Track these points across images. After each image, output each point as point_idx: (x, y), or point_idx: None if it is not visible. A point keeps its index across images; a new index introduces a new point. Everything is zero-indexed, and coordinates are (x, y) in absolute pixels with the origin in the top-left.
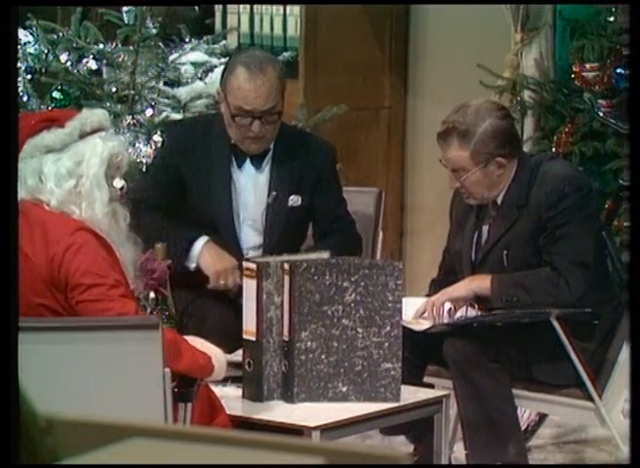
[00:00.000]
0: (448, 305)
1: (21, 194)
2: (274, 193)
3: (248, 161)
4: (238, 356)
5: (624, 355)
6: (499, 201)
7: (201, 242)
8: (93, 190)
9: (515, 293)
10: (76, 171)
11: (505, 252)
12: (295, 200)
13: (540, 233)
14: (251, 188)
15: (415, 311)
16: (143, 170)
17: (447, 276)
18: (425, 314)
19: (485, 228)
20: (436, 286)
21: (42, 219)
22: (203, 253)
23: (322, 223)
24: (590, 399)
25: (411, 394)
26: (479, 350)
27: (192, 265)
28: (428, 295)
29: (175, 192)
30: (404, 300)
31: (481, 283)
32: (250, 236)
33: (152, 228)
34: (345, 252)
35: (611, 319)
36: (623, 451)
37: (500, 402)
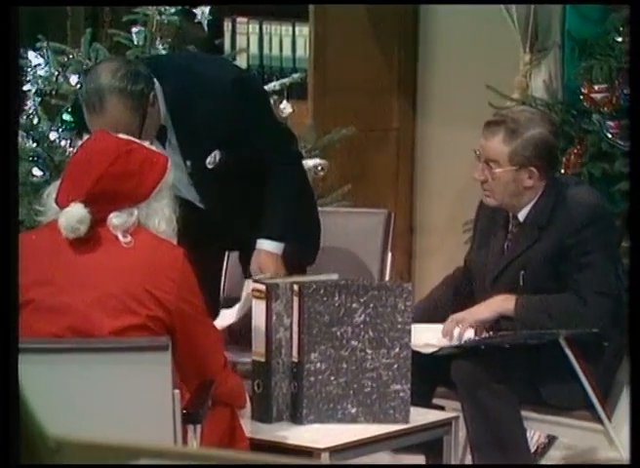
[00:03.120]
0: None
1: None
2: (188, 163)
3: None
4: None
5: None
6: (521, 217)
7: None
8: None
9: (539, 319)
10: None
11: (522, 271)
12: (212, 159)
13: (560, 258)
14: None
15: (437, 331)
16: None
17: (460, 283)
18: (439, 335)
19: (505, 244)
20: (452, 292)
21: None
22: None
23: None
24: (600, 421)
25: (420, 415)
26: (487, 372)
27: None
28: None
29: None
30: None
31: (505, 304)
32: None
33: None
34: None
35: (620, 340)
36: None
37: (509, 424)
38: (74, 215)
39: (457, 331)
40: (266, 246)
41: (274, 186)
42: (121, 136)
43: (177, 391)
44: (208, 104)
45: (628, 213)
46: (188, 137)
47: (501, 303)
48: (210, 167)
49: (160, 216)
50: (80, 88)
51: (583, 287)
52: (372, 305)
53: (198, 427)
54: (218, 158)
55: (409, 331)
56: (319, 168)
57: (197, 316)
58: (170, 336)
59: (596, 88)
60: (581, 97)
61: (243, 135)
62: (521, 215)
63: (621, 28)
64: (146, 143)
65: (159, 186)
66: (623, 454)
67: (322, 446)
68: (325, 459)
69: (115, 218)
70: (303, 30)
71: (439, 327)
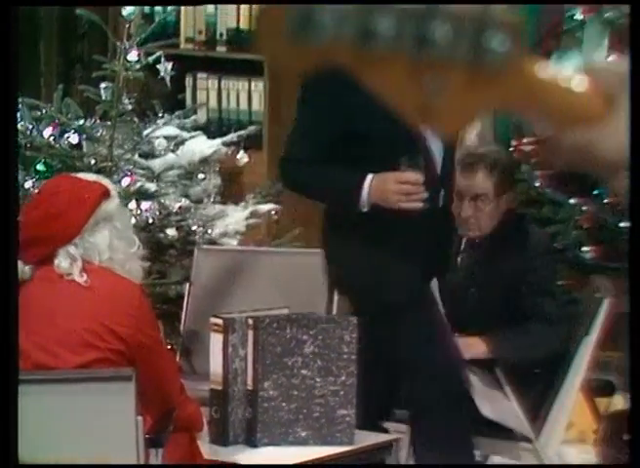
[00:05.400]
0: None
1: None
2: None
3: None
4: None
5: (561, 400)
6: (478, 240)
7: (368, 179)
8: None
9: (520, 355)
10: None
11: (473, 289)
12: None
13: (517, 282)
14: None
15: None
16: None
17: None
18: None
19: (459, 260)
20: None
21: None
22: (374, 185)
23: None
24: (529, 440)
25: (364, 438)
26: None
27: (364, 208)
28: None
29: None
30: None
31: (475, 349)
32: None
33: (310, 182)
34: None
35: (550, 367)
36: None
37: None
38: None
39: None
40: None
41: None
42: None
43: (140, 418)
44: None
45: (629, 212)
46: None
47: (471, 349)
48: None
49: (101, 248)
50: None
51: (548, 311)
52: (320, 337)
53: (160, 451)
54: None
55: (354, 361)
56: (273, 212)
57: (155, 347)
58: (132, 367)
59: (525, 141)
60: (512, 149)
61: None
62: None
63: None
64: (92, 177)
65: (91, 221)
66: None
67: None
68: None
69: (60, 264)
70: (259, 86)
71: None
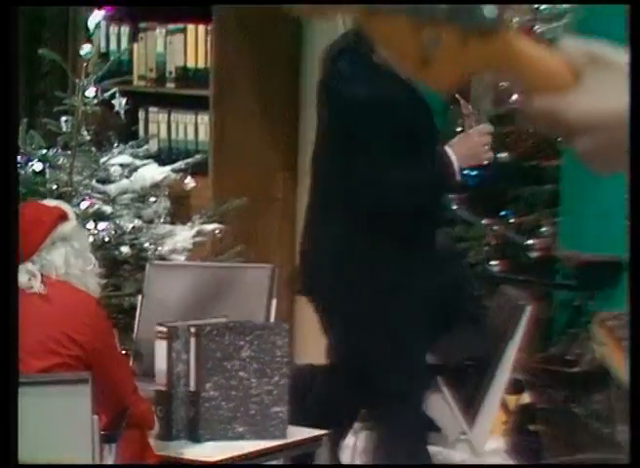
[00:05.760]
0: None
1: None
2: None
3: None
4: None
5: (490, 397)
6: None
7: (449, 149)
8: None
9: (455, 356)
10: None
11: None
12: None
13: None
14: None
15: None
16: None
17: None
18: None
19: None
20: None
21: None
22: (457, 151)
23: None
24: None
25: (296, 432)
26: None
27: (458, 177)
28: None
29: None
30: None
31: None
32: None
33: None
34: None
35: (480, 368)
36: None
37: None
38: None
39: None
40: None
41: None
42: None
43: (95, 416)
44: None
45: (630, 213)
46: None
47: None
48: None
49: (57, 265)
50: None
51: (472, 312)
52: (256, 342)
53: (114, 446)
54: None
55: (286, 363)
56: (217, 231)
57: (110, 352)
58: (89, 371)
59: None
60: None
61: None
62: None
63: (460, 120)
64: (53, 202)
65: (47, 241)
66: (479, 454)
67: (213, 459)
68: None
69: (20, 279)
70: (204, 118)
71: None
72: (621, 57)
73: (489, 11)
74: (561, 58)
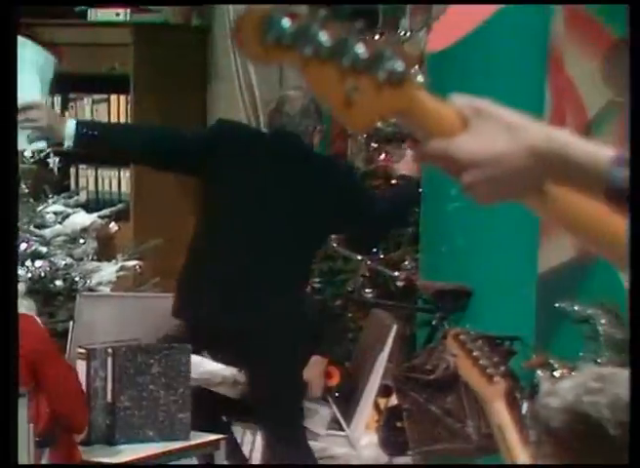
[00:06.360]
0: None
1: None
2: None
3: None
4: None
5: (365, 400)
6: None
7: None
8: None
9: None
10: None
11: None
12: None
13: None
14: None
15: None
16: None
17: None
18: None
19: None
20: None
21: None
22: None
23: None
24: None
25: (198, 436)
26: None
27: None
28: None
29: None
30: None
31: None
32: None
33: None
34: None
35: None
36: None
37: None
38: None
39: None
40: None
41: None
42: None
43: (31, 425)
44: None
45: (629, 215)
46: None
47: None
48: None
49: None
50: None
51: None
52: (164, 361)
53: (46, 450)
54: None
55: (188, 378)
56: (137, 267)
57: (50, 361)
58: (31, 378)
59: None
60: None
61: None
62: None
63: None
64: None
65: None
66: (359, 454)
67: (126, 459)
68: None
69: None
70: (126, 174)
71: None
72: (500, 110)
73: (399, 65)
74: (452, 109)
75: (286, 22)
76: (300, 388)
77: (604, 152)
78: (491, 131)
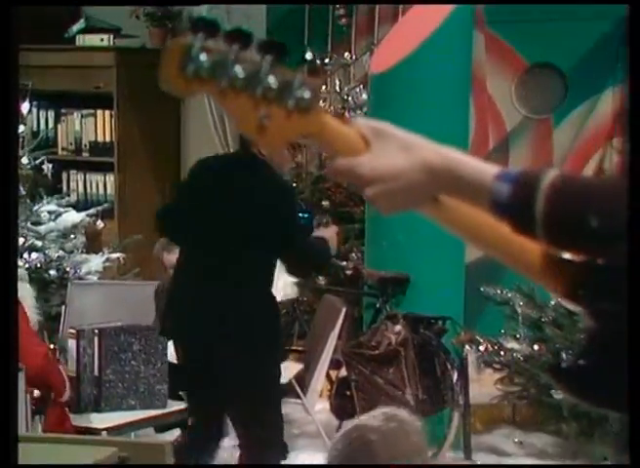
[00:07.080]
0: None
1: None
2: None
3: None
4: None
5: (318, 372)
6: None
7: None
8: None
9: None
10: None
11: None
12: None
13: None
14: None
15: None
16: None
17: None
18: None
19: None
20: None
21: None
22: None
23: None
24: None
25: (174, 404)
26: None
27: None
28: None
29: None
30: None
31: None
32: None
33: None
34: None
35: (312, 351)
36: (324, 436)
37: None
38: None
39: None
40: None
41: None
42: None
43: (28, 395)
44: None
45: (629, 212)
46: None
47: None
48: None
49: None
50: None
51: None
52: (144, 339)
53: (41, 417)
54: None
55: (165, 354)
56: (120, 258)
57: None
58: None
59: None
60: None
61: None
62: None
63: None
64: None
65: None
66: (315, 419)
67: (109, 425)
68: (104, 434)
69: None
70: (111, 178)
71: None
72: (397, 131)
73: (306, 93)
74: (356, 130)
75: (203, 56)
76: (279, 395)
77: (489, 169)
78: (390, 149)
